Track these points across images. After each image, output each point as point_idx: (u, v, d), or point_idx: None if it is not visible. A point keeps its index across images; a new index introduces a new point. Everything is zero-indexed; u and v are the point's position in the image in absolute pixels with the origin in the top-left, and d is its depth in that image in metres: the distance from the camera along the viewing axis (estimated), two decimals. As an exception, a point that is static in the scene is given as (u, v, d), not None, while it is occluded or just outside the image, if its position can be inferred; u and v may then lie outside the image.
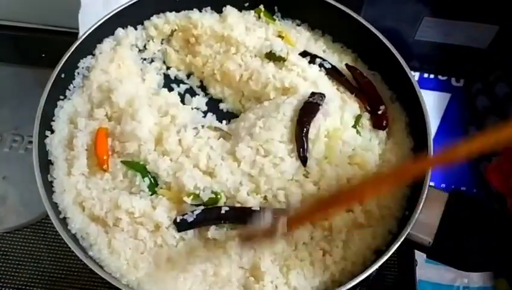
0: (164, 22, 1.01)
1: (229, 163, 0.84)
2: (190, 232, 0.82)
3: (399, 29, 1.10)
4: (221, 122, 0.94)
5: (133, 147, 0.85)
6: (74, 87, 0.95)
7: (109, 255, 0.81)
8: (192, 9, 1.01)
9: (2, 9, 1.24)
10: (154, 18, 1.01)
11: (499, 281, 1.02)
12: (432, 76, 1.20)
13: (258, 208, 0.81)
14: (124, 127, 0.86)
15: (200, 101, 0.99)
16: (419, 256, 1.01)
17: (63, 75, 0.91)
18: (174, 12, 1.01)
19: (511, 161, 0.88)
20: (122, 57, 0.97)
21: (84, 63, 0.96)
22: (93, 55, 0.97)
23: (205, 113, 0.97)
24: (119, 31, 0.99)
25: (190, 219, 0.81)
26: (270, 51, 0.94)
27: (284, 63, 0.94)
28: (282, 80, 0.92)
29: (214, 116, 0.96)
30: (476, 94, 1.15)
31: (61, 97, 0.93)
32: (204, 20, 0.98)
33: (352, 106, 0.92)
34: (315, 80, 0.93)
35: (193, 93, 1.00)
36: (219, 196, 0.82)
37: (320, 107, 0.86)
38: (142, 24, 1.02)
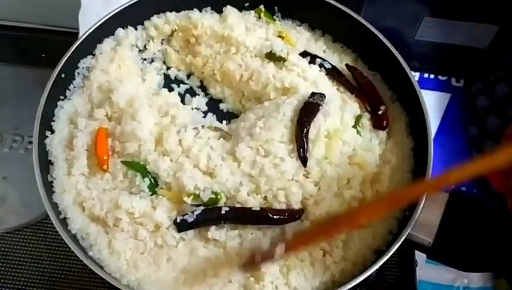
0: (164, 22, 1.01)
1: (229, 163, 0.84)
2: (190, 232, 0.82)
3: (399, 29, 1.10)
4: (222, 123, 0.93)
5: (133, 147, 0.85)
6: (74, 87, 0.95)
7: (109, 256, 0.81)
8: (192, 10, 1.01)
9: (2, 9, 1.24)
10: (154, 18, 1.01)
11: (499, 281, 1.02)
12: (432, 76, 1.20)
13: (258, 209, 0.81)
14: (124, 127, 0.86)
15: (200, 101, 0.98)
16: (420, 256, 1.01)
17: (63, 75, 0.91)
18: (174, 13, 1.01)
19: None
20: (122, 57, 0.97)
21: (84, 63, 0.96)
22: (94, 55, 0.97)
23: (205, 113, 0.97)
24: (119, 31, 0.99)
25: (190, 219, 0.81)
26: (271, 51, 0.94)
27: (284, 63, 0.94)
28: (283, 80, 0.92)
29: (214, 116, 0.96)
30: (476, 94, 1.15)
31: (61, 97, 0.93)
32: (204, 20, 0.98)
33: (353, 106, 0.92)
34: (315, 80, 0.93)
35: (193, 94, 1.00)
36: (219, 196, 0.82)
37: (320, 107, 0.86)
38: (142, 24, 1.02)
